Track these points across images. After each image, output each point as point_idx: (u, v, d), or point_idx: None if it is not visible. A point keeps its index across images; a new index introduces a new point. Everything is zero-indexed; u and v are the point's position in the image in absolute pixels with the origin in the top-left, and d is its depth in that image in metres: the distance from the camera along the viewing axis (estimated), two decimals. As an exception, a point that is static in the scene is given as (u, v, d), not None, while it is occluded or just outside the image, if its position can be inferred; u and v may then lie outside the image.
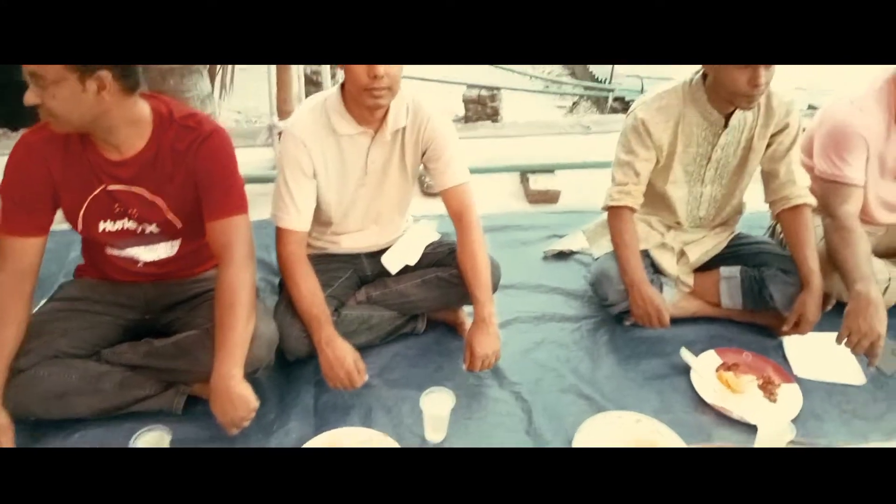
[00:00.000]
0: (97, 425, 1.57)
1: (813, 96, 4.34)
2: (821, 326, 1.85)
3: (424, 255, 1.91)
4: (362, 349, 1.81)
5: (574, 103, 5.71)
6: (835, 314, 1.85)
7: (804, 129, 2.02)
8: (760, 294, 1.92)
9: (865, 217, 2.10)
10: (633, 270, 1.85)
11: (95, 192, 1.54)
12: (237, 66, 3.61)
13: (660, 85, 1.93)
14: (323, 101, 1.70)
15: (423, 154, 1.79)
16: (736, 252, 2.03)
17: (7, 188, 1.51)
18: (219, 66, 3.65)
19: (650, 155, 1.88)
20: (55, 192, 1.52)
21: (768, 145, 1.90)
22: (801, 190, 1.90)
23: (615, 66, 5.40)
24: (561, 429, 1.64)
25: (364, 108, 1.63)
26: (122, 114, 1.44)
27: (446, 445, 1.59)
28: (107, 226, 1.59)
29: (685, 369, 1.83)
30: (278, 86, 2.78)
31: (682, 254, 2.01)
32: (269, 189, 1.89)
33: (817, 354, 1.89)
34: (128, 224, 1.59)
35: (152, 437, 1.44)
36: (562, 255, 2.37)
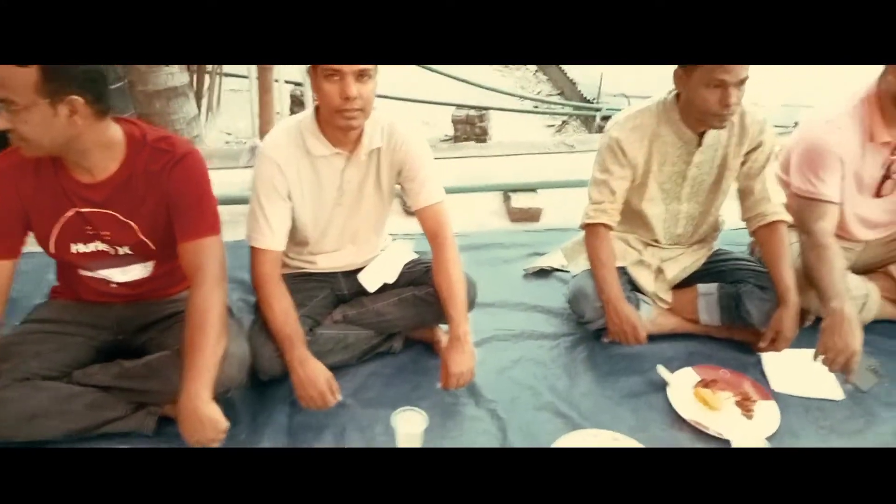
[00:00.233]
0: (66, 448, 1.55)
1: (799, 112, 4.39)
2: (800, 342, 1.85)
3: (401, 273, 1.92)
4: (338, 368, 1.81)
5: (563, 122, 5.76)
6: (814, 330, 1.84)
7: (779, 148, 2.05)
8: (737, 310, 1.92)
9: (843, 234, 2.12)
10: (610, 288, 1.85)
11: (68, 215, 1.54)
12: (224, 88, 3.66)
13: (635, 104, 1.95)
14: (297, 123, 1.72)
15: (399, 174, 1.80)
16: (714, 269, 2.04)
17: None
18: (205, 88, 3.69)
19: (625, 173, 1.89)
20: (26, 216, 1.53)
21: (743, 163, 1.92)
22: (776, 207, 1.91)
23: (602, 85, 5.45)
24: (536, 446, 1.63)
25: (337, 129, 1.64)
26: (95, 137, 1.45)
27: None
28: (79, 248, 1.59)
29: (663, 386, 1.83)
30: (260, 107, 2.80)
31: (659, 271, 2.01)
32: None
33: (796, 370, 1.89)
34: (101, 246, 1.59)
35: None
36: (542, 273, 2.38)
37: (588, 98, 5.81)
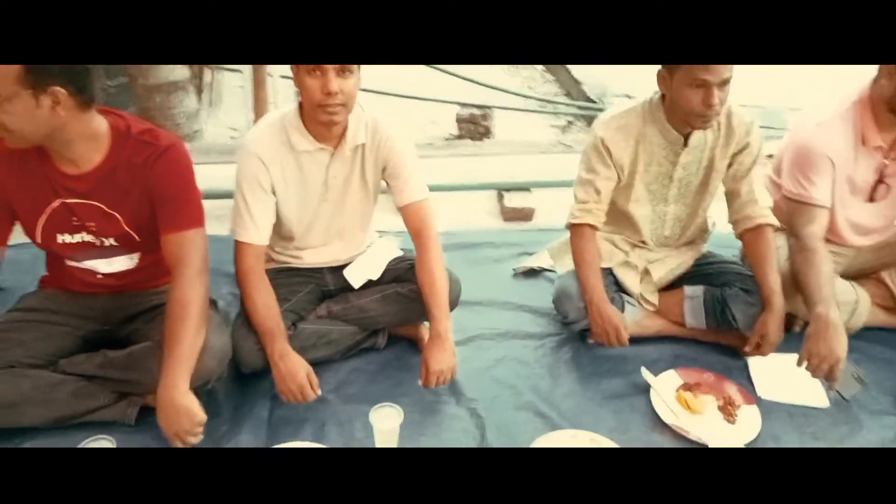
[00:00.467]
0: (47, 435, 1.57)
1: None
2: (787, 348, 1.83)
3: (386, 270, 1.92)
4: (321, 363, 1.82)
5: (568, 122, 5.73)
6: (802, 336, 1.83)
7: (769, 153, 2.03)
8: (723, 314, 1.91)
9: (836, 239, 2.10)
10: (593, 289, 1.85)
11: (53, 206, 1.55)
12: (231, 84, 3.69)
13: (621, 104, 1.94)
14: (281, 118, 1.73)
15: (384, 170, 1.80)
16: (701, 271, 2.03)
17: None
18: (206, 83, 3.71)
19: (611, 173, 1.89)
20: (11, 206, 1.54)
21: (730, 165, 1.90)
22: (762, 210, 1.90)
23: (608, 86, 5.42)
24: (512, 445, 1.62)
25: (320, 124, 1.65)
26: (78, 129, 1.46)
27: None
28: (65, 238, 1.60)
29: (645, 389, 1.82)
30: (255, 102, 2.81)
31: (646, 272, 2.01)
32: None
33: (782, 376, 1.87)
34: (86, 237, 1.61)
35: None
36: (531, 273, 2.37)
37: (593, 98, 5.78)
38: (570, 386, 1.85)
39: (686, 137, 1.84)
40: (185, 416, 1.42)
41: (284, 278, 1.86)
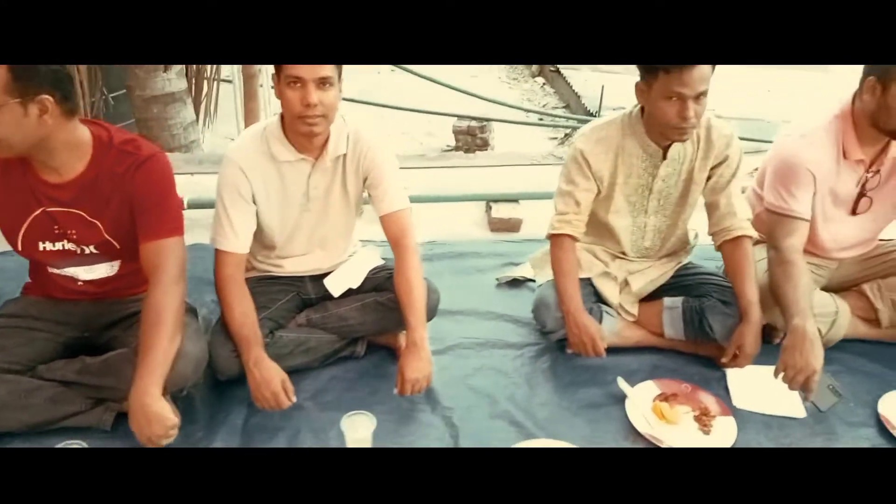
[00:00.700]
0: (23, 440, 1.59)
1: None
2: (767, 359, 1.83)
3: (366, 279, 1.94)
4: (300, 371, 1.84)
5: (566, 135, 5.76)
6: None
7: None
8: (701, 325, 1.92)
9: (818, 251, 2.11)
10: (570, 299, 1.86)
11: (35, 214, 1.58)
12: (225, 95, 3.74)
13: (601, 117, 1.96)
14: (263, 129, 1.76)
15: (365, 181, 1.83)
16: (681, 282, 2.03)
17: None
18: (203, 94, 3.76)
19: (590, 185, 1.90)
20: None
21: (709, 177, 1.92)
22: (741, 222, 1.91)
23: (603, 98, 5.45)
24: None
25: (300, 135, 1.68)
26: (63, 137, 1.49)
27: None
28: (46, 246, 1.63)
29: (622, 399, 1.82)
30: (245, 113, 2.85)
31: (625, 283, 2.02)
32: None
33: (759, 387, 1.87)
34: (67, 245, 1.63)
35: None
36: (515, 283, 2.38)
37: (591, 111, 5.82)
38: (546, 395, 1.86)
39: (665, 150, 1.86)
40: (156, 421, 1.43)
41: (265, 287, 1.89)
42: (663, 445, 1.67)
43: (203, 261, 2.01)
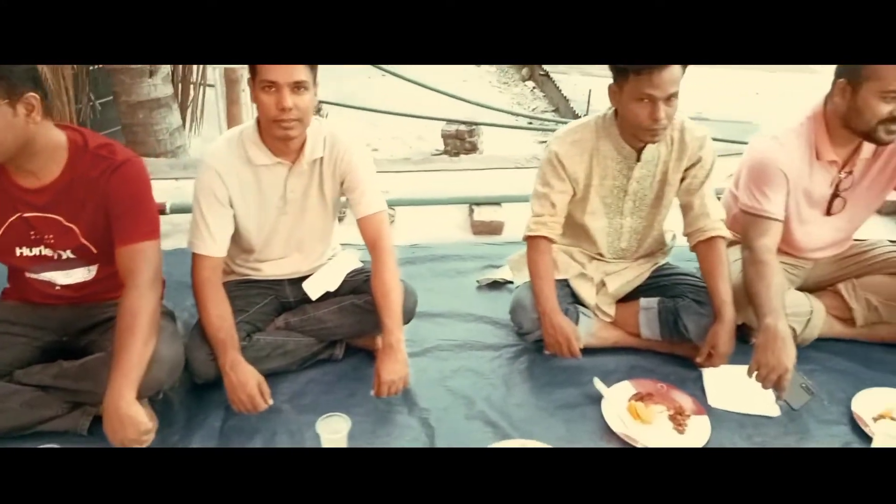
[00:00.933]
0: (-2, 444, 1.60)
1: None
2: (743, 359, 1.84)
3: (344, 282, 1.95)
4: (278, 374, 1.85)
5: (555, 138, 5.80)
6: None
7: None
8: (676, 325, 1.93)
9: (794, 251, 2.13)
10: (546, 300, 1.88)
11: (11, 220, 1.59)
12: (210, 100, 3.76)
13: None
14: (240, 133, 1.77)
15: (342, 184, 1.84)
16: (658, 283, 2.05)
17: None
18: (189, 99, 3.78)
19: (565, 187, 1.92)
20: None
21: (683, 178, 1.93)
22: (714, 223, 1.93)
23: (590, 101, 5.48)
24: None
25: (276, 139, 1.69)
26: (45, 138, 1.51)
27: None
28: (23, 251, 1.64)
29: (598, 399, 1.84)
30: (228, 119, 2.87)
31: (602, 284, 2.03)
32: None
33: (734, 386, 1.88)
34: (44, 251, 1.64)
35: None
36: (495, 285, 2.40)
37: (579, 115, 5.85)
38: (523, 396, 1.87)
39: (639, 151, 1.88)
40: (130, 425, 1.44)
41: (243, 290, 1.90)
42: (637, 445, 1.69)
43: (186, 265, 2.00)
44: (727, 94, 6.41)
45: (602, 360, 1.99)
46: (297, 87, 1.60)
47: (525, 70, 7.77)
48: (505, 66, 8.05)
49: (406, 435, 1.72)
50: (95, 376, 1.60)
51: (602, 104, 1.93)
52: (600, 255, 2.06)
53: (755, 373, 1.73)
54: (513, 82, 7.64)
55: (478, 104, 5.62)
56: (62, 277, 1.71)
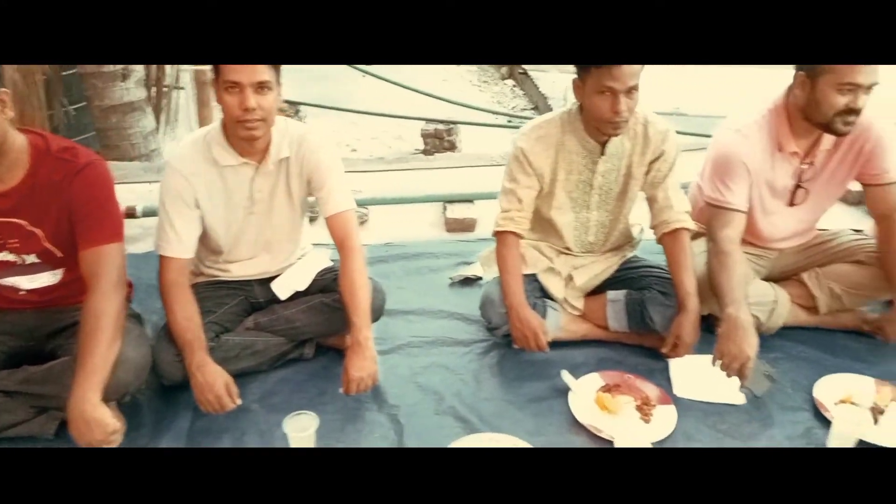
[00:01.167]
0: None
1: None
2: (710, 349, 1.87)
3: (314, 281, 1.96)
4: (247, 374, 1.86)
5: (534, 136, 5.83)
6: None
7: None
8: (642, 316, 1.96)
9: (759, 242, 2.16)
10: (513, 294, 1.89)
11: None
12: (184, 103, 3.75)
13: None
14: (205, 135, 1.78)
15: (309, 183, 1.85)
16: (625, 276, 2.08)
17: None
18: (163, 102, 3.76)
19: (532, 182, 1.94)
20: None
21: (647, 172, 1.96)
22: (678, 215, 1.95)
23: (567, 99, 5.50)
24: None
25: (241, 139, 1.70)
26: (11, 137, 1.51)
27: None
28: (-13, 256, 1.64)
29: (566, 391, 1.86)
30: (200, 121, 2.87)
31: (570, 278, 2.05)
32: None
33: (699, 375, 1.91)
34: (8, 256, 1.64)
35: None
36: (467, 282, 2.42)
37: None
38: (492, 390, 1.89)
39: (603, 146, 1.90)
40: (95, 427, 1.44)
41: (212, 291, 1.90)
42: (603, 435, 1.71)
43: (157, 268, 2.02)
44: (704, 89, 6.47)
45: (571, 353, 2.01)
46: (261, 87, 1.61)
47: (504, 69, 7.80)
48: (485, 65, 8.08)
49: (375, 431, 1.73)
50: (61, 380, 1.59)
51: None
52: (568, 249, 2.08)
53: (718, 362, 1.76)
54: (492, 81, 7.67)
55: (457, 103, 5.65)
56: (27, 282, 1.70)
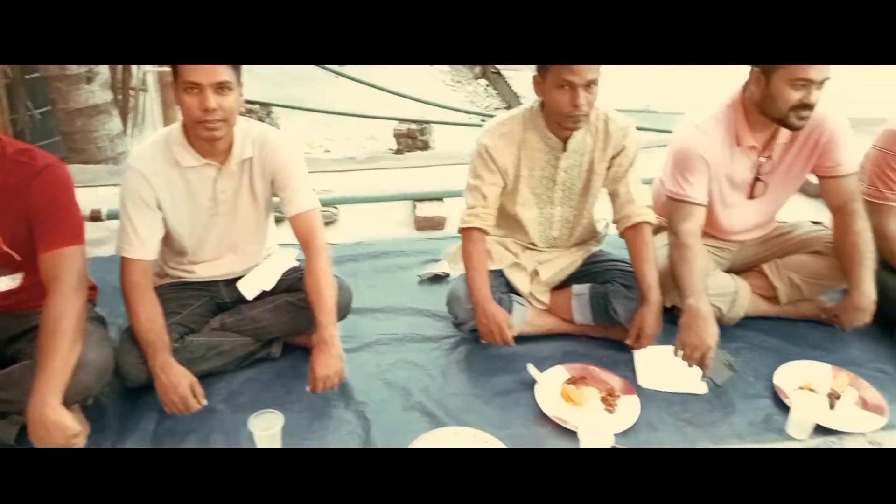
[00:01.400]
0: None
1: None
2: (674, 340, 1.90)
3: (280, 281, 1.96)
4: (214, 375, 1.85)
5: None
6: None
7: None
8: (606, 309, 1.99)
9: (720, 234, 2.20)
10: (479, 290, 1.91)
11: None
12: (151, 106, 3.71)
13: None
14: (165, 135, 1.77)
15: (272, 183, 1.85)
16: (589, 270, 2.11)
17: None
18: (130, 105, 3.72)
19: (496, 179, 1.96)
20: None
21: (609, 167, 1.99)
22: (640, 209, 1.99)
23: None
24: (395, 445, 1.66)
25: (202, 139, 1.69)
26: None
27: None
28: (-56, 261, 1.61)
29: (533, 385, 1.88)
30: (164, 123, 2.84)
31: (535, 273, 2.08)
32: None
33: (663, 366, 1.94)
34: None
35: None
36: (436, 279, 2.43)
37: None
38: (459, 385, 1.91)
39: (565, 142, 1.93)
40: (56, 431, 1.43)
41: (177, 292, 1.89)
42: (569, 427, 1.73)
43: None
44: (674, 87, 6.55)
45: (537, 347, 2.03)
46: (221, 87, 1.60)
47: (478, 68, 7.82)
48: (458, 65, 8.10)
49: (342, 428, 1.74)
50: (21, 385, 1.57)
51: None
52: (533, 244, 2.11)
53: (680, 352, 1.79)
54: (466, 80, 7.69)
55: (430, 103, 5.66)
56: (-15, 287, 1.68)
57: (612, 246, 2.24)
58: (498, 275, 2.04)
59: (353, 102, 5.82)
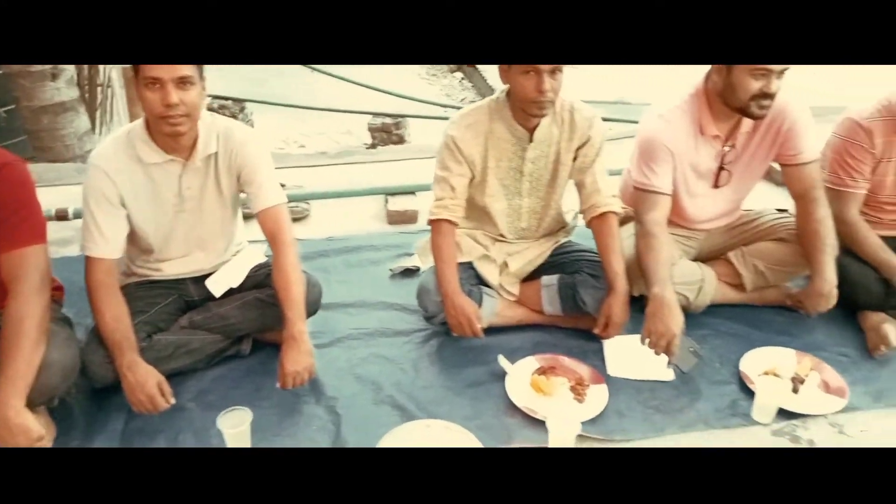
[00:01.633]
0: None
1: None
2: (641, 329, 1.93)
3: (248, 277, 1.95)
4: (183, 373, 1.84)
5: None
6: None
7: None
8: (574, 299, 2.01)
9: (686, 223, 2.23)
10: (448, 282, 1.92)
11: None
12: (119, 103, 3.66)
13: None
14: (128, 132, 1.75)
15: (238, 178, 1.83)
16: (558, 260, 2.12)
17: None
18: (98, 102, 3.67)
19: (463, 170, 1.96)
20: None
21: (575, 158, 2.00)
22: (606, 199, 2.01)
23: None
24: (366, 440, 1.67)
25: (165, 135, 1.68)
26: None
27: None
28: None
29: (503, 376, 1.90)
30: (130, 119, 2.81)
31: (505, 265, 2.09)
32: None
33: (631, 355, 1.97)
34: None
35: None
36: (408, 273, 2.43)
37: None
38: (430, 378, 1.92)
39: (531, 133, 1.94)
40: (20, 433, 1.41)
41: (144, 291, 1.88)
42: (538, 416, 1.75)
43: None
44: (647, 79, 6.61)
45: (508, 338, 2.05)
46: (182, 82, 1.59)
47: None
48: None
49: (313, 424, 1.74)
50: (-18, 387, 1.56)
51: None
52: (502, 236, 2.12)
53: (647, 340, 1.82)
54: (441, 74, 7.68)
55: (405, 97, 5.65)
56: (-55, 289, 1.65)
57: (581, 237, 2.26)
58: (467, 267, 2.05)
59: (328, 97, 5.80)
